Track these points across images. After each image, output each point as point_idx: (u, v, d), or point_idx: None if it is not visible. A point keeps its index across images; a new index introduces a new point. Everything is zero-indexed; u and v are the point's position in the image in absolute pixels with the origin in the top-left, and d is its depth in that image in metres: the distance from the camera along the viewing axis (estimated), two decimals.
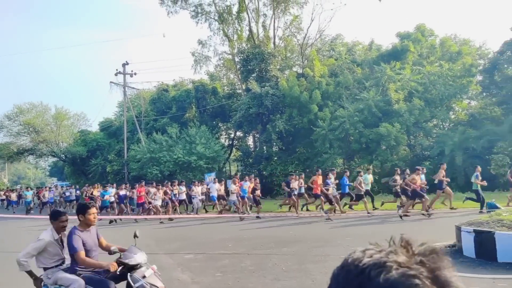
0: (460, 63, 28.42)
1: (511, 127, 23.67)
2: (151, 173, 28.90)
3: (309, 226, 13.74)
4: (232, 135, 37.84)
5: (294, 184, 17.84)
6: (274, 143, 30.13)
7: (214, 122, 36.26)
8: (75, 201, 25.85)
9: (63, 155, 42.94)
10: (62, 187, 33.58)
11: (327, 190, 16.18)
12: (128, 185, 23.66)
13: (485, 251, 7.18)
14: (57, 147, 41.93)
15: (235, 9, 33.99)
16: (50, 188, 29.21)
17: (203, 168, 28.96)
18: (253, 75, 31.34)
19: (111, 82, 34.83)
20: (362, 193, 16.33)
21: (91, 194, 22.91)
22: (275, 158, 29.66)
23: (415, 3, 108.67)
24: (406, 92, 27.18)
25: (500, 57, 26.55)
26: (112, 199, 20.49)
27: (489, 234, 7.11)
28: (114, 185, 22.58)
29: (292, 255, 8.68)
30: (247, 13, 33.55)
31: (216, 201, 20.00)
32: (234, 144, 37.73)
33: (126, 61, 34.84)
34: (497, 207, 11.06)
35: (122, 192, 20.69)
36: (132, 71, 35.30)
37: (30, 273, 4.84)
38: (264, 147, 30.94)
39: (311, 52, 32.30)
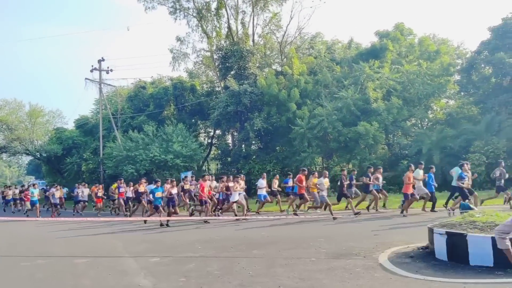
0: (438, 62, 28.56)
1: (488, 126, 23.82)
2: (127, 171, 28.31)
3: (283, 227, 13.45)
4: (212, 134, 37.39)
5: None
6: (253, 142, 29.83)
7: (193, 120, 35.77)
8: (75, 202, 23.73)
9: (38, 153, 41.87)
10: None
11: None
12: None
13: (457, 254, 6.97)
14: (32, 145, 40.84)
15: (214, 5, 33.63)
16: (55, 186, 24.75)
17: (180, 167, 28.48)
18: (231, 72, 30.98)
19: (86, 78, 34.06)
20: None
21: (136, 191, 20.02)
22: (254, 157, 29.33)
23: (394, 2, 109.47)
24: (385, 90, 27.16)
25: (478, 56, 26.70)
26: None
27: (461, 236, 6.90)
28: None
29: (261, 258, 8.36)
30: (226, 10, 33.21)
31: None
32: (214, 142, 37.30)
33: (102, 57, 34.14)
34: (470, 208, 10.91)
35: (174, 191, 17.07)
36: (108, 67, 34.61)
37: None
38: (243, 146, 30.59)
39: (290, 50, 32.08)
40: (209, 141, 37.64)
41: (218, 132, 35.90)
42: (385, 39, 29.98)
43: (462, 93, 28.81)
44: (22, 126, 40.49)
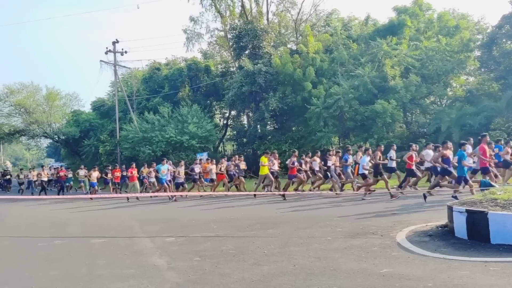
0: (458, 38, 27.77)
1: (509, 103, 23.20)
2: (144, 152, 28.48)
3: (300, 207, 13.34)
4: (227, 114, 37.30)
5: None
6: (268, 122, 29.62)
7: (207, 101, 35.68)
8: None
9: (56, 136, 42.40)
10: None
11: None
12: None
13: (477, 232, 6.76)
14: (50, 128, 41.31)
15: None
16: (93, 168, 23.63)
17: (196, 148, 28.54)
18: (245, 52, 30.67)
19: (101, 61, 34.07)
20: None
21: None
22: (269, 137, 29.18)
23: None
24: (403, 68, 26.58)
25: (499, 31, 25.87)
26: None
27: (482, 214, 6.69)
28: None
29: (277, 237, 8.28)
30: None
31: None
32: (229, 123, 37.22)
33: (116, 39, 34.02)
34: (491, 185, 10.61)
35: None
36: (122, 49, 34.50)
37: None
38: (258, 126, 30.42)
39: (305, 27, 31.54)
40: (224, 122, 37.58)
41: (233, 112, 35.79)
42: (403, 14, 29.25)
43: (483, 69, 28.03)
44: (39, 109, 40.86)
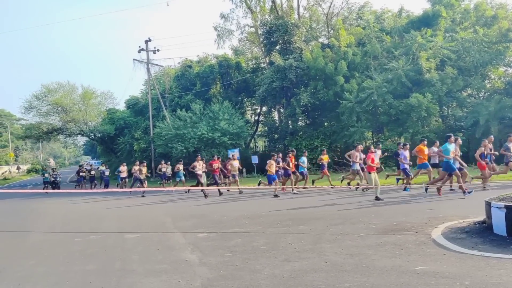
0: (496, 28, 26.74)
1: None
2: (176, 149, 28.83)
3: (331, 203, 13.20)
4: (258, 111, 37.29)
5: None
6: (299, 118, 29.46)
7: (239, 98, 35.78)
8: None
9: (92, 134, 43.51)
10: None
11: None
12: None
13: None
14: (86, 126, 42.44)
15: None
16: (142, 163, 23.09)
17: (227, 144, 28.66)
18: (276, 47, 30.56)
19: (134, 59, 34.76)
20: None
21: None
22: (301, 133, 29.02)
23: None
24: (438, 60, 25.87)
25: None
26: None
27: None
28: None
29: (308, 234, 8.19)
30: None
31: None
32: (260, 119, 37.22)
33: (149, 38, 34.63)
34: None
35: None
36: (155, 47, 35.03)
37: None
38: (289, 122, 30.32)
39: (337, 21, 31.14)
40: (256, 118, 37.60)
41: (264, 109, 35.77)
42: (438, 5, 28.48)
43: None
44: (76, 108, 42.01)
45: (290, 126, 30.16)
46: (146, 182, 22.46)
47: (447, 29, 28.21)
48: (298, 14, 33.34)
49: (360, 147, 16.07)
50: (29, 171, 78.04)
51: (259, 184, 18.70)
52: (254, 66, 36.56)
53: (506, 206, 6.67)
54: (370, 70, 26.91)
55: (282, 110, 32.13)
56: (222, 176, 19.91)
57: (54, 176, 28.68)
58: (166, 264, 6.58)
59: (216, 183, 18.16)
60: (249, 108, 38.47)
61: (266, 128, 35.25)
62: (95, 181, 28.93)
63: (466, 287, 4.61)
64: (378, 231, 8.00)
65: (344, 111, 26.17)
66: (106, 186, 26.16)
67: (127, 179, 24.53)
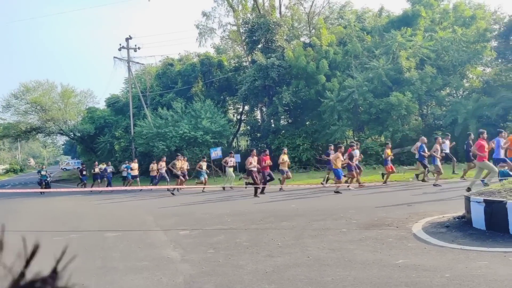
0: (474, 28, 27.24)
1: None
2: (158, 148, 28.57)
3: (313, 199, 13.27)
4: (240, 109, 37.23)
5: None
6: (282, 116, 29.50)
7: (221, 96, 35.64)
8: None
9: (71, 133, 42.84)
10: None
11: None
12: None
13: (496, 223, 6.62)
14: (65, 125, 41.72)
15: None
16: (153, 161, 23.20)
17: (210, 143, 28.51)
18: (258, 46, 30.55)
19: (114, 57, 34.23)
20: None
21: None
22: (283, 132, 29.07)
23: None
24: (418, 59, 26.21)
25: None
26: None
27: (501, 204, 6.54)
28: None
29: (291, 230, 8.22)
30: None
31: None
32: (243, 118, 37.17)
33: (130, 36, 34.35)
34: (509, 175, 10.40)
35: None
36: (135, 45, 34.65)
37: None
38: (272, 121, 30.34)
39: (318, 20, 31.29)
40: (238, 117, 37.53)
41: (246, 107, 35.70)
42: (418, 5, 28.85)
43: (500, 60, 27.51)
44: (55, 107, 41.25)
45: (273, 125, 30.19)
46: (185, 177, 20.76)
47: (427, 29, 28.59)
48: (280, 13, 33.39)
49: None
50: (7, 171, 76.52)
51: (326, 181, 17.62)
52: (236, 64, 36.47)
53: (485, 201, 6.80)
54: (351, 69, 27.12)
55: (264, 109, 32.13)
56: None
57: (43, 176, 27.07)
58: (148, 261, 6.52)
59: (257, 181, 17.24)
60: (231, 106, 38.37)
61: (248, 127, 35.20)
62: (85, 181, 27.32)
63: (446, 279, 4.67)
64: (360, 226, 8.06)
65: (326, 109, 26.31)
66: (109, 184, 24.77)
67: (138, 178, 24.20)
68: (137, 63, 36.34)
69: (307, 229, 8.12)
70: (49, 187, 26.55)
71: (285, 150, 18.47)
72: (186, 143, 28.90)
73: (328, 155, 17.10)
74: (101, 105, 44.93)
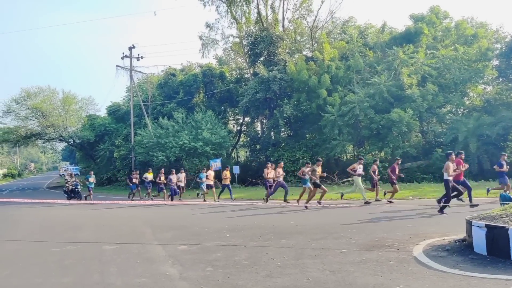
0: (476, 46, 27.39)
1: None
2: (157, 158, 28.55)
3: (312, 216, 13.20)
4: (241, 121, 37.29)
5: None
6: (282, 129, 29.55)
7: (222, 107, 35.74)
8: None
9: (71, 140, 42.85)
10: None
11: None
12: None
13: (497, 248, 6.56)
14: (65, 132, 41.78)
15: None
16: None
17: (210, 154, 28.52)
18: (261, 59, 30.69)
19: (117, 66, 34.45)
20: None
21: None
22: (283, 144, 29.08)
23: None
24: (420, 76, 26.33)
25: None
26: None
27: (503, 229, 6.49)
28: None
29: (290, 248, 8.15)
30: None
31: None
32: (243, 129, 37.19)
33: (133, 45, 34.38)
34: (511, 200, 10.35)
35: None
36: (138, 54, 34.85)
37: None
38: (272, 133, 30.37)
39: (321, 35, 31.45)
40: (238, 128, 37.58)
41: (247, 119, 35.79)
42: (420, 22, 29.00)
43: (501, 79, 27.67)
44: (56, 113, 41.38)
45: (273, 137, 30.21)
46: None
47: (429, 46, 28.75)
48: (283, 26, 33.59)
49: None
50: (5, 175, 76.36)
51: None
52: (238, 76, 36.62)
53: (486, 225, 6.75)
54: (352, 84, 27.20)
55: (265, 121, 32.20)
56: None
57: (73, 183, 24.11)
58: (146, 277, 6.45)
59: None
60: (232, 118, 38.46)
61: (248, 138, 35.24)
62: (134, 190, 23.87)
63: None
64: (360, 247, 8.00)
65: (326, 124, 26.34)
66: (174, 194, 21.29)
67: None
68: (139, 72, 36.59)
69: (306, 249, 8.05)
70: (79, 197, 23.87)
71: (281, 163, 18.18)
72: (186, 153, 28.90)
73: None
74: (102, 113, 45.11)
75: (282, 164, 18.02)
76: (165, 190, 21.33)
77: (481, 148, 23.21)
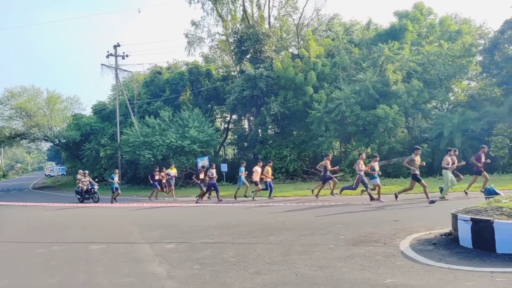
0: (460, 42, 27.70)
1: (511, 108, 23.10)
2: (144, 157, 28.36)
3: (299, 213, 13.23)
4: (228, 119, 37.22)
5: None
6: (269, 126, 29.57)
7: (209, 105, 35.62)
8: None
9: (56, 140, 42.39)
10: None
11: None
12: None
13: (483, 241, 6.64)
14: (50, 132, 41.32)
15: None
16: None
17: (197, 152, 28.41)
18: (247, 56, 30.63)
19: (102, 64, 34.13)
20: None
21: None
22: (270, 142, 29.10)
23: None
24: (405, 72, 26.53)
25: (501, 36, 25.85)
26: None
27: (488, 223, 6.57)
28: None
29: (278, 245, 8.15)
30: None
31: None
32: (230, 127, 37.13)
33: (118, 43, 34.10)
34: (496, 193, 10.49)
35: None
36: (124, 53, 34.55)
37: None
38: (259, 130, 30.38)
39: (307, 32, 31.51)
40: (226, 126, 37.50)
41: (234, 117, 35.73)
42: (405, 19, 29.23)
43: (485, 74, 27.99)
44: (40, 113, 40.89)
45: (260, 135, 30.22)
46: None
47: (413, 43, 28.98)
48: (269, 23, 33.57)
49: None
50: None
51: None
52: (225, 74, 36.53)
53: (472, 219, 6.82)
54: (338, 81, 27.31)
55: (252, 119, 32.17)
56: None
57: (89, 183, 22.10)
58: (133, 277, 6.40)
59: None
60: (219, 116, 38.36)
61: (235, 136, 35.19)
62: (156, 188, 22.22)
63: None
64: (347, 242, 8.04)
65: (313, 120, 26.41)
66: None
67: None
68: (125, 70, 36.26)
69: (294, 245, 8.06)
70: (96, 199, 21.68)
71: (271, 163, 18.75)
72: (173, 152, 28.75)
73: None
74: (88, 112, 44.69)
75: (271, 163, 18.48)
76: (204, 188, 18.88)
77: (466, 142, 23.49)
